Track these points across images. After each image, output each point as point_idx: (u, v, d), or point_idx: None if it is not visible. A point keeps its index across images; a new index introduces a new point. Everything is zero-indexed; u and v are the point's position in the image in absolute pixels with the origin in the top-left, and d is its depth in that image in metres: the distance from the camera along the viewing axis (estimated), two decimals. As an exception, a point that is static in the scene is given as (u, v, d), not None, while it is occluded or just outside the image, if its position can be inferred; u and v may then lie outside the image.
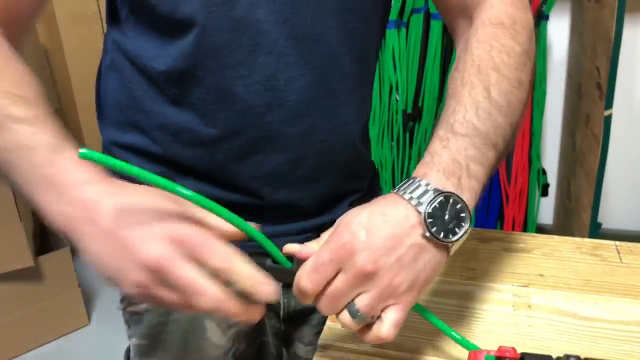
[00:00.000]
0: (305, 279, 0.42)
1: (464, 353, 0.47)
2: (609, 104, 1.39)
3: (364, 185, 0.71)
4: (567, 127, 1.83)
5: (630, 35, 1.68)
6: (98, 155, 0.39)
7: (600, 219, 1.54)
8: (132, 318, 0.70)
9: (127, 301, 0.69)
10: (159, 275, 0.39)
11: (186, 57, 0.55)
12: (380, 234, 0.42)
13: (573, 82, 1.74)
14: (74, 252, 2.04)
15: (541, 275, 0.60)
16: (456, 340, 0.47)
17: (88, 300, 1.95)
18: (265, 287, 0.40)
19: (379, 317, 0.43)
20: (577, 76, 1.69)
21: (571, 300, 0.56)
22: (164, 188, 0.40)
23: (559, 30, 1.78)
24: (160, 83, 0.58)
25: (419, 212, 0.42)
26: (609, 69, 1.35)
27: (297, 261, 0.44)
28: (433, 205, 0.42)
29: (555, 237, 0.68)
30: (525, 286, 0.59)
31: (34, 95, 0.48)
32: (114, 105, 0.64)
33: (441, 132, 0.47)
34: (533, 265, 0.62)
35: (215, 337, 0.68)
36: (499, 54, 0.51)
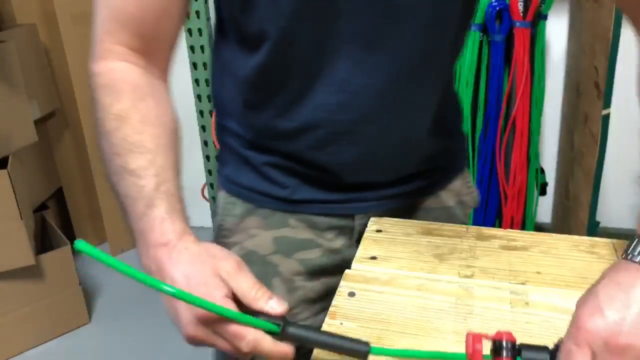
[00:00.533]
0: None
1: None
2: (607, 103, 1.40)
3: (444, 164, 0.76)
4: (565, 126, 1.84)
5: (628, 35, 1.68)
6: (91, 249, 0.44)
7: (598, 217, 1.55)
8: None
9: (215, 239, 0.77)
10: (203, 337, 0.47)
11: (273, 66, 0.62)
12: (621, 304, 0.40)
13: (572, 81, 1.74)
14: (75, 250, 2.05)
15: (539, 272, 0.61)
16: None
17: (89, 299, 1.96)
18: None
19: None
20: (575, 75, 1.69)
21: (568, 298, 0.57)
22: (151, 286, 0.46)
23: (557, 29, 1.78)
24: (246, 88, 0.66)
25: None
26: (607, 69, 1.36)
27: (283, 325, 0.47)
28: None
29: (553, 235, 0.68)
30: (522, 284, 0.59)
31: (150, 138, 0.55)
32: (216, 97, 0.75)
33: None
34: (531, 263, 0.63)
35: (280, 295, 0.72)
36: None
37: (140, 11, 0.57)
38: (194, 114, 1.72)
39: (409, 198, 0.75)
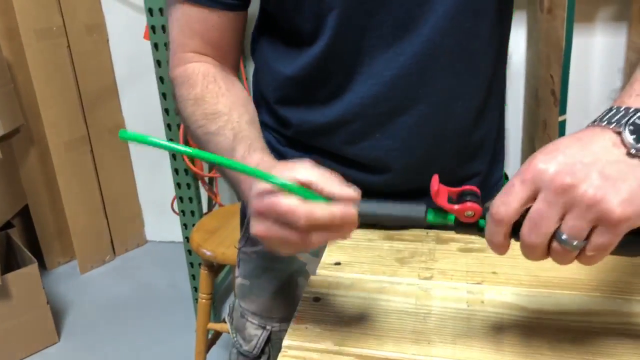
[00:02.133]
0: (497, 202, 0.41)
1: (425, 350, 0.50)
2: (562, 110, 1.46)
3: (483, 169, 0.76)
4: (526, 133, 1.90)
5: (580, 44, 1.76)
6: (134, 135, 0.43)
7: (559, 220, 1.60)
8: (243, 257, 0.81)
9: (243, 242, 0.81)
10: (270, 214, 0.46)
11: (322, 61, 0.65)
12: (576, 152, 0.39)
13: (531, 89, 1.81)
14: (42, 268, 2.01)
15: (494, 272, 0.64)
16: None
17: (57, 318, 1.93)
18: (346, 189, 0.45)
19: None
20: (534, 83, 1.75)
21: (521, 295, 0.60)
22: (228, 166, 0.48)
23: (516, 39, 1.85)
24: (288, 84, 0.70)
25: (619, 133, 0.40)
26: (561, 76, 1.42)
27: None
28: (633, 121, 0.39)
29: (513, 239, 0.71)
30: (479, 283, 0.62)
31: (223, 106, 0.62)
32: (254, 94, 0.79)
33: (634, 76, 0.45)
34: (487, 264, 0.65)
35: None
36: None
37: (205, 27, 0.66)
38: (162, 128, 1.72)
39: None
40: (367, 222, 0.49)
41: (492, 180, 0.80)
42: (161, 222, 2.42)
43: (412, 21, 0.61)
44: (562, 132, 1.47)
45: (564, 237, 0.39)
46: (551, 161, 0.39)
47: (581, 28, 1.77)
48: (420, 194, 0.63)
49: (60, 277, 2.24)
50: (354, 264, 0.67)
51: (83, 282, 2.22)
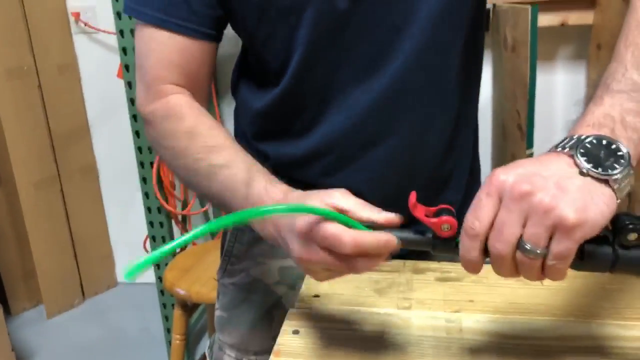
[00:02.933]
0: (470, 217, 0.43)
1: None
2: (529, 144, 1.50)
3: (457, 200, 0.75)
4: (495, 167, 1.94)
5: (544, 81, 1.83)
6: (140, 265, 0.45)
7: (531, 251, 1.63)
8: (222, 289, 0.81)
9: (221, 273, 0.81)
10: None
11: (290, 96, 0.66)
12: (535, 167, 0.42)
13: (498, 124, 1.86)
14: (7, 314, 1.93)
15: (471, 300, 0.64)
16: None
17: (22, 364, 1.85)
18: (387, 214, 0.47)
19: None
20: (501, 119, 1.81)
21: (498, 322, 0.60)
22: (259, 215, 0.51)
23: (483, 76, 1.91)
24: (259, 121, 0.71)
25: (572, 156, 0.42)
26: (527, 112, 1.47)
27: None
28: (584, 145, 0.42)
29: (484, 265, 0.73)
30: (457, 312, 0.62)
31: (224, 139, 0.61)
32: (236, 128, 0.79)
33: (598, 92, 0.47)
34: (464, 292, 0.66)
35: (280, 328, 0.73)
36: None
37: (184, 58, 0.65)
38: (134, 166, 1.71)
39: None
40: None
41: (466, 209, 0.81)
42: (132, 263, 2.36)
43: (383, 58, 0.63)
44: (530, 165, 1.52)
45: (527, 246, 0.41)
46: (510, 172, 0.42)
47: (544, 65, 1.84)
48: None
49: (26, 323, 2.16)
50: (332, 295, 0.67)
51: (50, 328, 2.14)
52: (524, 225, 0.41)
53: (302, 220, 0.47)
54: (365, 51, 0.63)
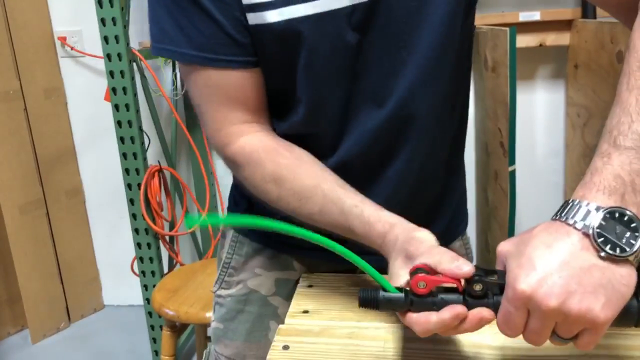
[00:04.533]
0: (503, 328, 0.46)
1: None
2: (511, 160, 1.54)
3: (447, 215, 0.79)
4: (480, 183, 1.98)
5: (524, 100, 1.88)
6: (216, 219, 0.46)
7: (516, 266, 1.65)
8: (218, 301, 0.81)
9: (217, 285, 0.82)
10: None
11: (305, 126, 0.68)
12: (551, 266, 0.42)
13: (481, 142, 1.90)
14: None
15: (457, 313, 0.66)
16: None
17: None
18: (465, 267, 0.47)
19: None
20: (483, 137, 1.85)
21: (485, 333, 0.61)
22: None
23: (464, 96, 1.96)
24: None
25: (587, 235, 0.42)
26: (508, 129, 1.51)
27: (405, 292, 0.49)
28: (599, 223, 0.41)
29: (469, 279, 0.74)
30: (443, 324, 0.64)
31: (307, 177, 0.63)
32: None
33: (604, 146, 0.45)
34: (450, 305, 0.67)
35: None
36: None
37: (244, 94, 0.65)
38: (121, 189, 1.71)
39: None
40: None
41: (457, 221, 0.84)
42: (119, 285, 2.35)
43: (388, 86, 0.66)
44: (512, 181, 1.55)
45: (556, 336, 0.45)
46: (531, 283, 0.42)
47: (524, 85, 1.89)
48: None
49: (10, 348, 2.12)
50: (322, 311, 0.68)
51: (35, 353, 2.10)
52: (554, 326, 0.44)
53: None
54: (374, 80, 0.66)
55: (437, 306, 0.48)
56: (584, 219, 0.42)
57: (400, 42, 0.64)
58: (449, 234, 0.81)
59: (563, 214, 0.44)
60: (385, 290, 0.50)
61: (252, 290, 0.78)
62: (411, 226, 0.56)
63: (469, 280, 0.48)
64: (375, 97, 0.66)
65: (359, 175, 0.69)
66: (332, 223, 0.60)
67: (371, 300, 0.50)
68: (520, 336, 0.46)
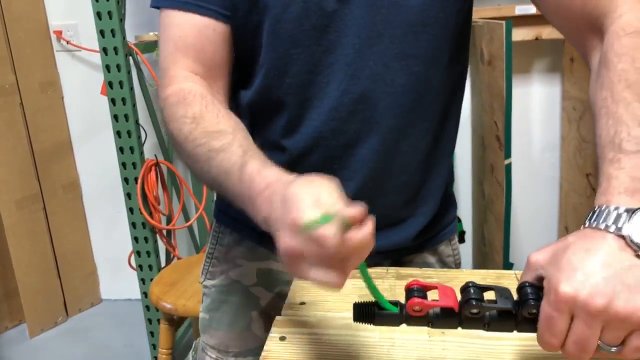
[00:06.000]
0: (546, 336, 0.44)
1: None
2: (507, 154, 1.54)
3: (428, 211, 0.77)
4: (476, 177, 1.98)
5: (520, 93, 1.89)
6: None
7: (512, 259, 1.67)
8: (205, 291, 0.83)
9: (203, 276, 0.83)
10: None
11: (267, 93, 0.67)
12: (593, 268, 0.41)
13: (477, 135, 1.90)
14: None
15: (452, 304, 0.67)
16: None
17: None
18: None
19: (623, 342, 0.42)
20: (480, 130, 1.85)
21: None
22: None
23: (461, 90, 1.96)
24: (248, 114, 0.71)
25: (622, 236, 0.42)
26: (504, 123, 1.51)
27: (401, 306, 0.49)
28: (632, 224, 0.42)
29: (465, 270, 0.75)
30: (438, 315, 0.64)
31: (228, 126, 0.60)
32: None
33: (610, 154, 0.47)
34: (445, 297, 0.68)
35: (258, 330, 0.76)
36: None
37: (199, 41, 0.66)
38: (118, 183, 1.71)
39: (396, 256, 0.78)
40: None
41: (443, 223, 0.83)
42: (117, 280, 2.35)
43: (364, 64, 0.65)
44: (508, 175, 1.56)
45: (601, 344, 0.42)
46: (575, 284, 0.42)
47: (520, 78, 1.90)
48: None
49: (8, 343, 2.13)
50: (318, 302, 0.68)
51: (33, 347, 2.11)
52: (601, 330, 0.42)
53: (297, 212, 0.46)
54: (347, 53, 0.65)
55: (433, 324, 0.49)
56: (615, 222, 0.43)
57: (379, 15, 0.63)
58: (432, 228, 0.80)
59: (593, 220, 0.44)
60: (381, 308, 0.50)
61: (234, 280, 0.79)
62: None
63: (465, 302, 0.48)
64: (347, 71, 0.65)
65: (330, 154, 0.68)
66: (226, 162, 0.56)
67: (366, 316, 0.51)
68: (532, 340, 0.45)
